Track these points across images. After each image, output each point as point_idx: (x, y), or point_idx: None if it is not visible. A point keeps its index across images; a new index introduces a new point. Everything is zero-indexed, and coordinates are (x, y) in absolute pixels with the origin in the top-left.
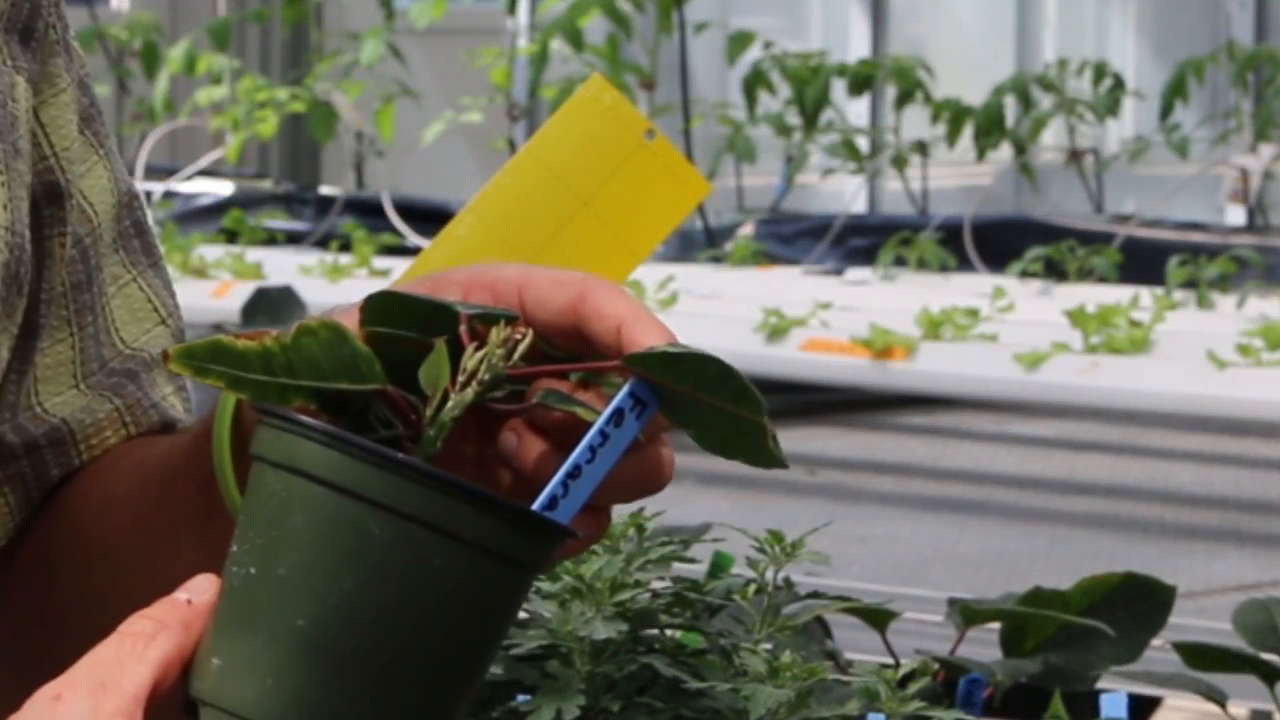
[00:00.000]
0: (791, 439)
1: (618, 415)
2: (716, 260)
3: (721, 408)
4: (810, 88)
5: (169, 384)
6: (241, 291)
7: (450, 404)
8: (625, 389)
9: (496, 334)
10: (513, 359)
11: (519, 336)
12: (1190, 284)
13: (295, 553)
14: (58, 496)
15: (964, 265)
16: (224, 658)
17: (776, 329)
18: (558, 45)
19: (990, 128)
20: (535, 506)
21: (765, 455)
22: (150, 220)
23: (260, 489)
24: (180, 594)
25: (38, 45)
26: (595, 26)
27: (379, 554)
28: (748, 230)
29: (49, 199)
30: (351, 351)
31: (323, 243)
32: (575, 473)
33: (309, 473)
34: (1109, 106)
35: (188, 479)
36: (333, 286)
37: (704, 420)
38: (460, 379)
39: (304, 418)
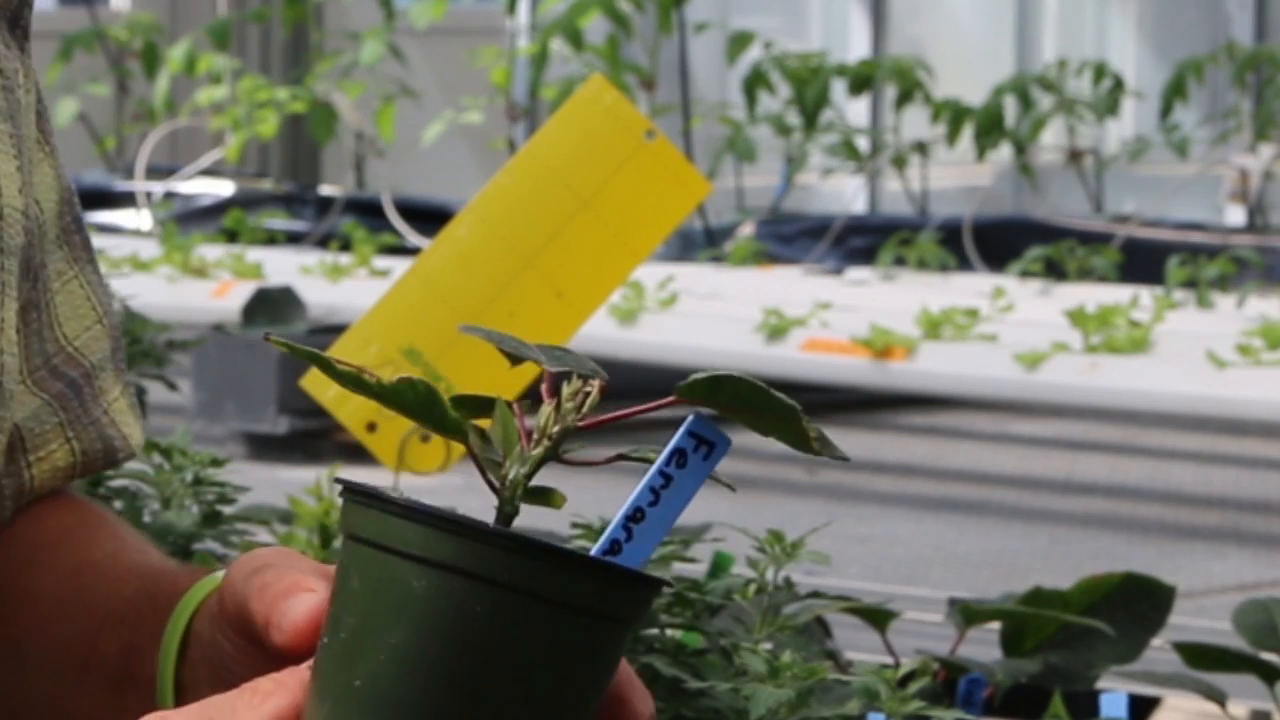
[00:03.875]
0: None
1: (678, 456)
2: (716, 260)
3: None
4: (810, 88)
5: (115, 385)
6: (241, 291)
7: (524, 461)
8: (684, 428)
9: (568, 389)
10: (583, 411)
11: (589, 390)
12: (1190, 284)
13: (352, 615)
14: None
15: (964, 265)
16: None
17: (776, 329)
18: (558, 45)
19: (990, 128)
20: (594, 552)
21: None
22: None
23: (339, 565)
24: (306, 664)
25: (21, 38)
26: (595, 26)
27: (421, 606)
28: (748, 230)
29: None
30: (440, 414)
31: (323, 243)
32: (637, 516)
33: (359, 535)
34: (1109, 106)
35: (118, 633)
36: (333, 286)
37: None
38: (535, 436)
39: (358, 485)
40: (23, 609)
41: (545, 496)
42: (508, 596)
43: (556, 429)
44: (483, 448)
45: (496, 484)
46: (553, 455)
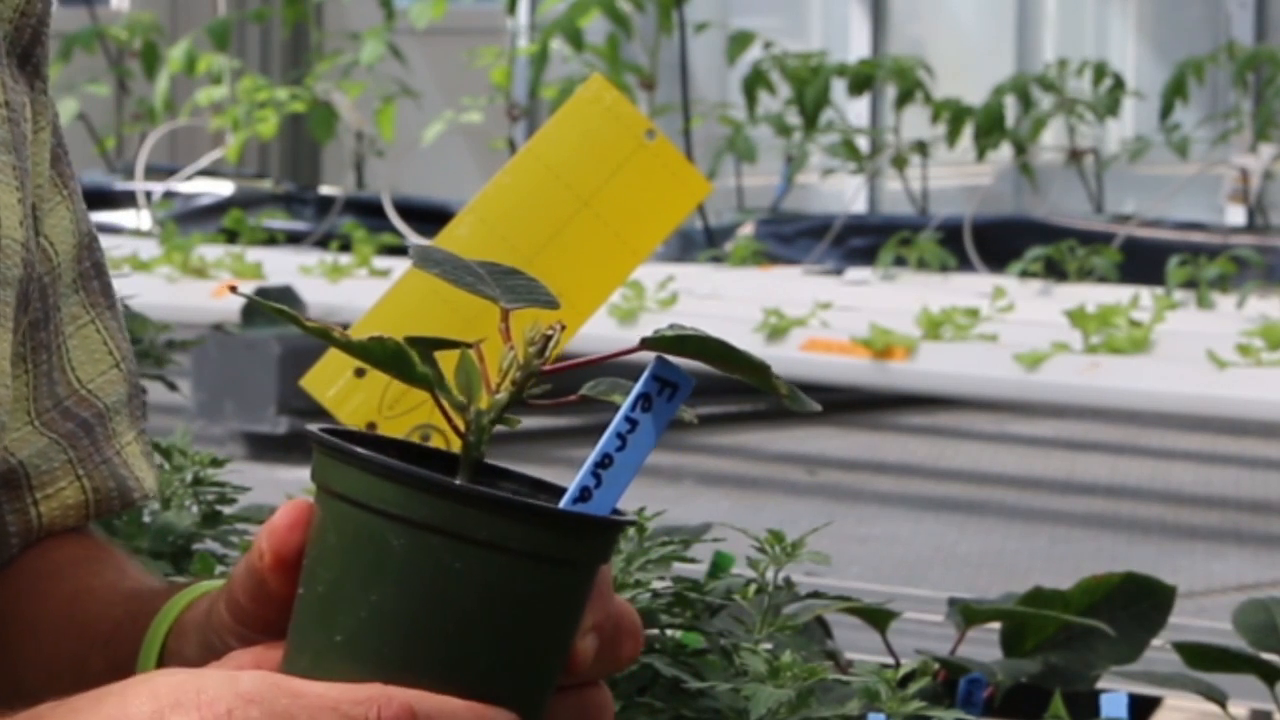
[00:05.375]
0: (791, 439)
1: (644, 400)
2: (716, 260)
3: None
4: (810, 88)
5: (129, 431)
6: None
7: (487, 407)
8: (647, 372)
9: (526, 333)
10: (545, 354)
11: (550, 333)
12: (1190, 284)
13: (328, 570)
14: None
15: (964, 265)
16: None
17: (776, 329)
18: (558, 45)
19: (990, 128)
20: (565, 500)
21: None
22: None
23: (315, 515)
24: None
25: (31, 75)
26: (595, 26)
27: (399, 564)
28: (748, 230)
29: None
30: (408, 366)
31: (323, 243)
32: (606, 462)
33: (335, 490)
34: (1109, 106)
35: (105, 654)
36: (333, 286)
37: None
38: (496, 381)
39: (331, 438)
40: (23, 638)
41: (501, 421)
42: (486, 553)
43: (519, 374)
44: (448, 394)
45: (461, 430)
46: (516, 400)
